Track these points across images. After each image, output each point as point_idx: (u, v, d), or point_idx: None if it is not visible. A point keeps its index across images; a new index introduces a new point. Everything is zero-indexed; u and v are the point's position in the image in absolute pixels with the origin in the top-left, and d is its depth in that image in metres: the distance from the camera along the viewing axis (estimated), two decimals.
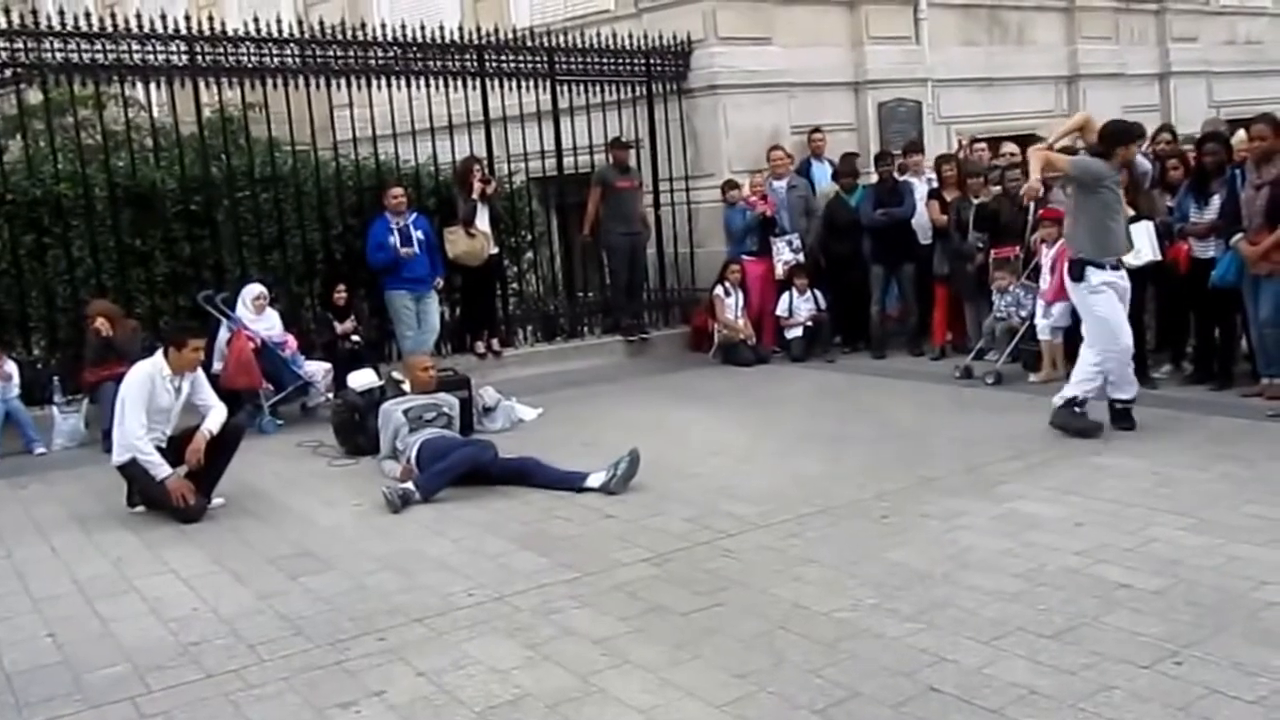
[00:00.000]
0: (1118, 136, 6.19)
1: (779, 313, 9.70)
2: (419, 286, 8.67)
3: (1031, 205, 8.25)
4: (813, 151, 10.71)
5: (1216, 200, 6.92)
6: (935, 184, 9.37)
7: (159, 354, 5.77)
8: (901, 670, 3.43)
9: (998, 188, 8.73)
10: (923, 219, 9.26)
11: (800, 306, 9.59)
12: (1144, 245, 7.13)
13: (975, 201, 8.73)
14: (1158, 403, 6.92)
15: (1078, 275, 6.07)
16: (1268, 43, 16.51)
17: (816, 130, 10.84)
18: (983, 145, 10.32)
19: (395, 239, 8.49)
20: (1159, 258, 7.15)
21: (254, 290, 8.01)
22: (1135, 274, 7.22)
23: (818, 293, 9.64)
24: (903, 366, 8.97)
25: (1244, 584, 3.95)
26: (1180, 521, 4.66)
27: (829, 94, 11.45)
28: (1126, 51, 14.37)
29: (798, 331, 9.58)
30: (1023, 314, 8.03)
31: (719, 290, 9.70)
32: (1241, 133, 7.38)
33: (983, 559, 4.37)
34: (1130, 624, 3.66)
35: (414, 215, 8.71)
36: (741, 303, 9.73)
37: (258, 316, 7.94)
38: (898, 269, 9.42)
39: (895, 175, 9.51)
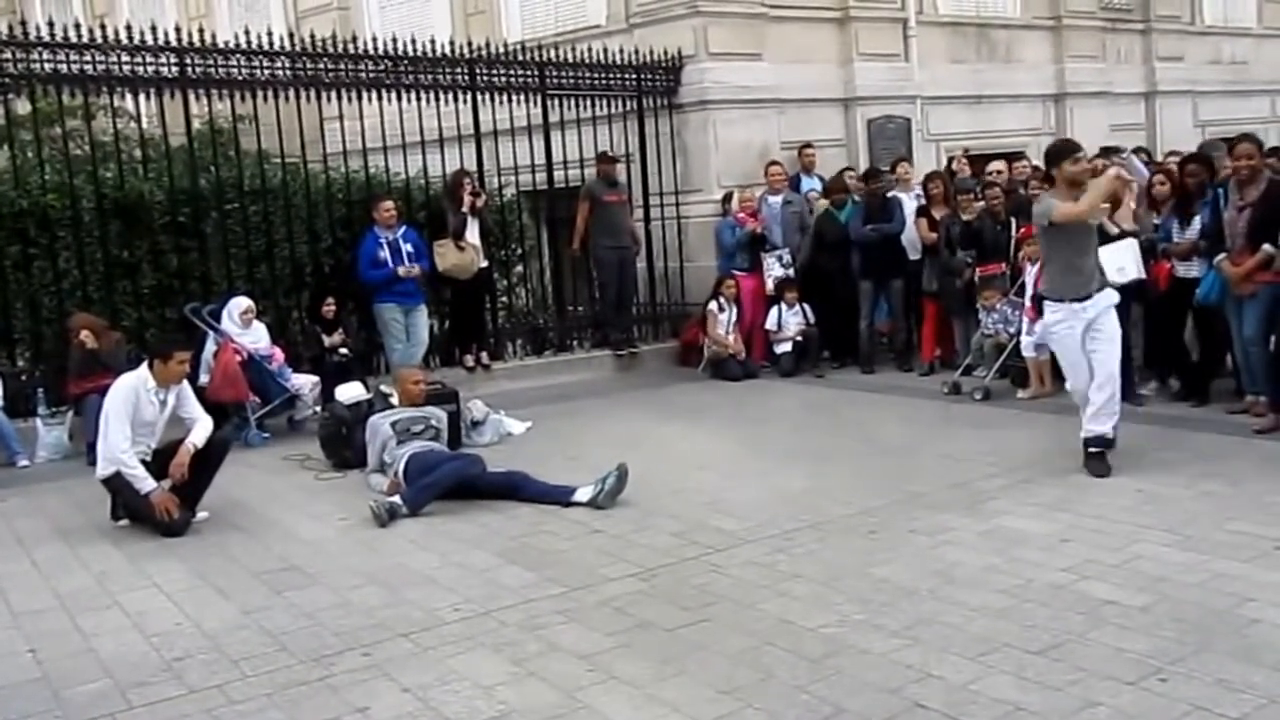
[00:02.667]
0: (1054, 155, 5.78)
1: (768, 326, 9.71)
2: (408, 299, 8.65)
3: (1014, 222, 8.31)
4: (803, 167, 10.77)
5: (1198, 221, 6.95)
6: (923, 201, 9.41)
7: (144, 366, 5.74)
8: (887, 686, 3.42)
9: (980, 204, 8.78)
10: (912, 234, 9.29)
11: (789, 321, 9.60)
12: (1128, 263, 7.17)
13: (962, 218, 8.77)
14: (1144, 420, 6.95)
15: (1041, 311, 6.09)
16: (1252, 62, 16.66)
17: (807, 146, 10.90)
18: (965, 161, 10.38)
19: (386, 253, 8.47)
20: (1143, 276, 7.18)
21: (242, 304, 7.98)
22: (1120, 291, 7.27)
23: (806, 306, 9.66)
24: (891, 382, 8.99)
25: (1228, 601, 3.96)
26: (1165, 538, 4.67)
27: (819, 110, 11.51)
28: (1113, 70, 14.49)
29: (787, 346, 9.60)
30: (1011, 330, 8.06)
31: (713, 305, 9.69)
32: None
33: (969, 575, 4.37)
34: (1115, 640, 3.67)
35: (404, 228, 8.69)
36: (734, 318, 9.73)
37: (245, 329, 7.91)
38: (887, 284, 9.44)
39: (885, 192, 9.54)
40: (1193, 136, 14.73)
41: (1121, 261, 7.18)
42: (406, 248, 8.55)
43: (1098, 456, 5.75)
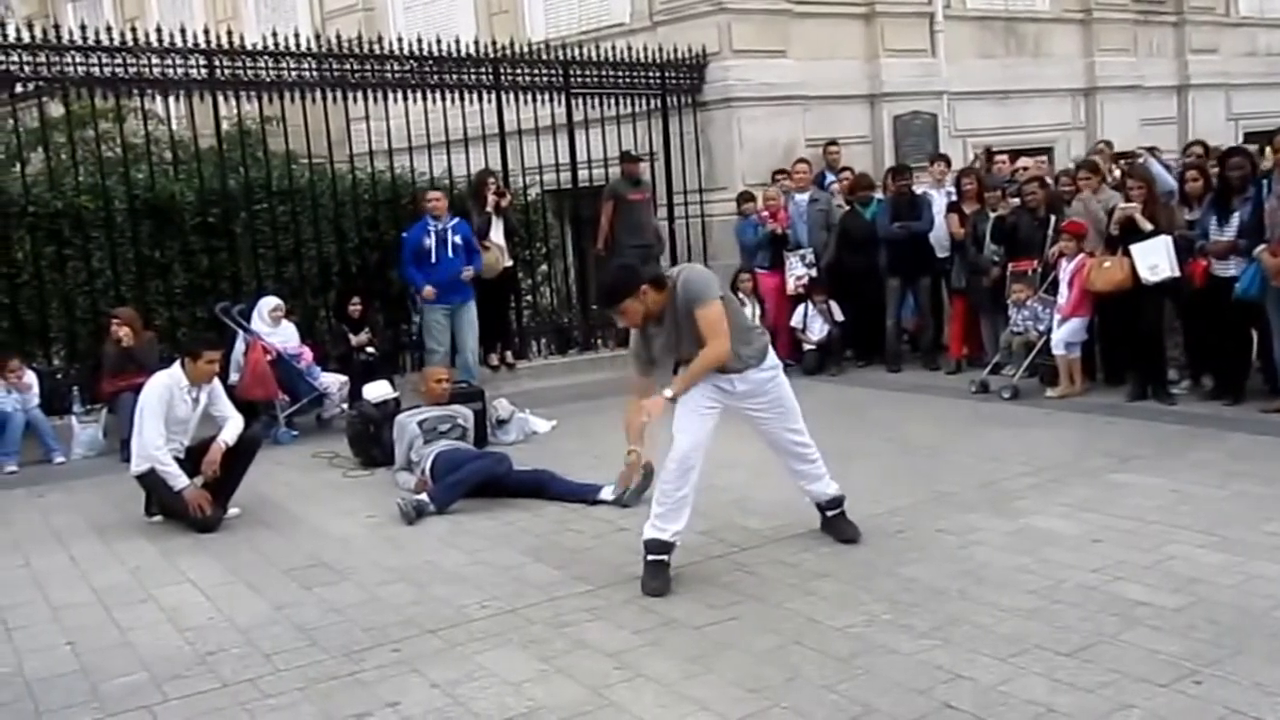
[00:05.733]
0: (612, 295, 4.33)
1: (794, 324, 9.67)
2: (453, 296, 8.51)
3: (1051, 219, 8.24)
4: (828, 165, 10.73)
5: (1237, 218, 6.85)
6: (955, 197, 9.35)
7: (176, 365, 5.81)
8: (916, 687, 3.41)
9: (1016, 200, 8.71)
10: (940, 232, 9.24)
11: (815, 320, 9.56)
12: (1162, 261, 7.11)
13: (992, 215, 8.71)
14: (1177, 419, 6.89)
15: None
16: None
17: (832, 143, 10.86)
18: (1003, 158, 10.31)
19: (432, 241, 8.38)
20: (1177, 273, 7.10)
21: (270, 303, 8.05)
22: (1154, 289, 7.22)
23: (834, 304, 9.60)
24: (918, 381, 8.94)
25: (1264, 603, 3.91)
26: (1199, 539, 4.62)
27: (844, 107, 11.46)
28: (1144, 64, 14.33)
29: (812, 345, 9.56)
30: (1040, 328, 7.99)
31: None
32: None
33: (998, 575, 4.35)
34: (1149, 642, 3.63)
35: (455, 220, 8.57)
36: (758, 313, 9.69)
37: (274, 328, 7.97)
38: (914, 282, 9.39)
39: (914, 189, 9.48)
40: (1226, 130, 14.57)
41: (1154, 259, 7.12)
42: (455, 239, 8.43)
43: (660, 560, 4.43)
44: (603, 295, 4.45)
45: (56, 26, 8.23)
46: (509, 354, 9.52)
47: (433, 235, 8.44)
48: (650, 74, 10.35)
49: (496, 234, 9.10)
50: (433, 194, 8.59)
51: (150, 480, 5.69)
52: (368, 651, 3.93)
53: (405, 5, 14.16)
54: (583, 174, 10.21)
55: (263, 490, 6.20)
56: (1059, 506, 5.21)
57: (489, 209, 9.01)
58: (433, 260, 8.41)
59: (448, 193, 8.93)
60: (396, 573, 4.80)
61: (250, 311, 8.04)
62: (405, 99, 9.16)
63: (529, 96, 9.78)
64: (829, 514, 4.97)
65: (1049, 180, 9.02)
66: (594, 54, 10.11)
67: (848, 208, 9.80)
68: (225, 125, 8.93)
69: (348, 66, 8.91)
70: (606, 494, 5.68)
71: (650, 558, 4.44)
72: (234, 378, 7.65)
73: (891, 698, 3.34)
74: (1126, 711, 3.18)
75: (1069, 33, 13.69)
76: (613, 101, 10.25)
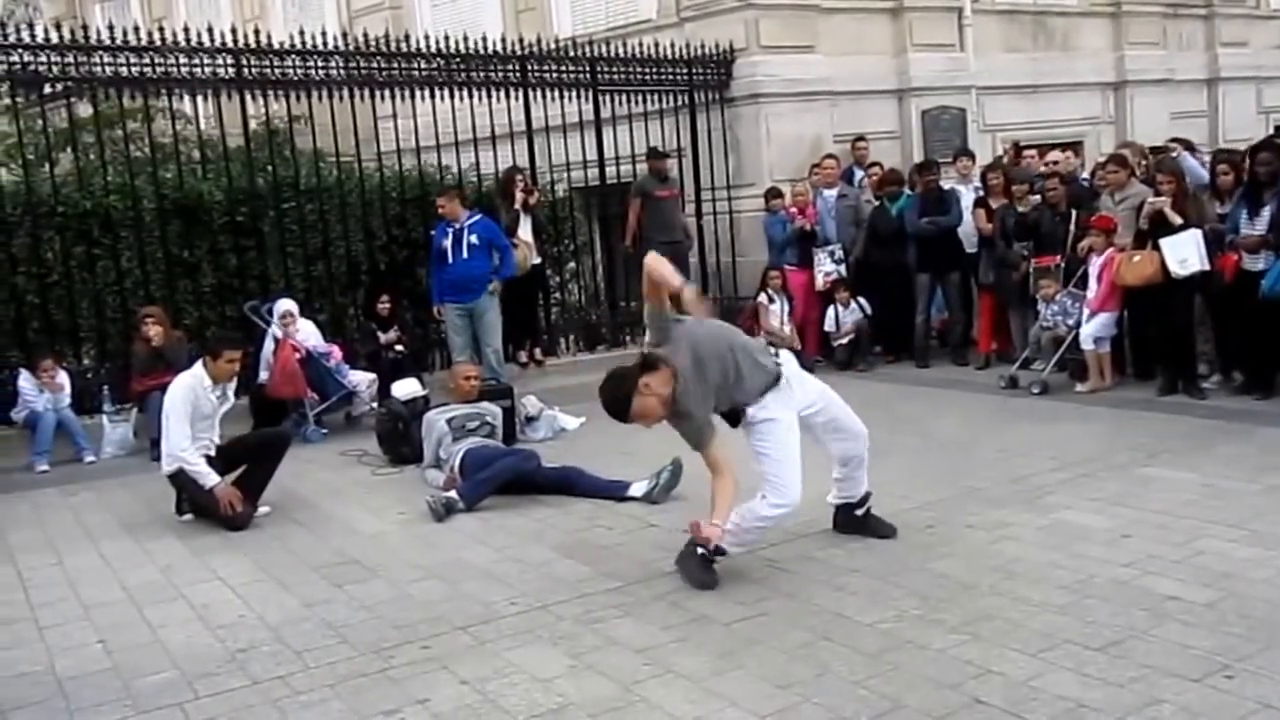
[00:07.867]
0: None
1: (827, 328, 9.63)
2: (465, 296, 8.43)
3: (1074, 214, 8.17)
4: (856, 160, 10.69)
5: (1268, 212, 6.77)
6: (981, 192, 9.28)
7: (199, 364, 5.86)
8: (947, 682, 3.39)
9: (1037, 197, 8.65)
10: (968, 227, 9.18)
11: (846, 319, 9.51)
12: (1191, 255, 7.03)
13: (1018, 210, 8.65)
14: (1207, 413, 6.82)
15: (735, 420, 4.56)
16: None
17: (860, 139, 10.82)
18: (1033, 153, 10.23)
19: (448, 243, 8.36)
20: (1207, 267, 7.03)
21: (282, 307, 7.94)
22: (1184, 283, 7.15)
23: (862, 300, 9.56)
24: (947, 376, 8.89)
25: None
26: (1230, 533, 4.57)
27: (872, 102, 11.41)
28: (1174, 57, 14.17)
29: (844, 341, 9.52)
30: (1069, 323, 7.92)
31: (762, 298, 9.64)
32: None
33: (1029, 570, 4.31)
34: (1180, 637, 3.60)
35: (477, 218, 8.49)
36: (787, 310, 9.66)
37: (284, 333, 7.95)
38: (943, 277, 9.33)
39: (941, 184, 9.42)
40: (1256, 124, 14.39)
41: (1184, 253, 7.05)
42: (470, 239, 8.35)
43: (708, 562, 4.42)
44: (612, 416, 4.49)
45: (84, 27, 8.32)
46: (538, 351, 9.54)
47: (450, 235, 8.44)
48: (678, 70, 10.35)
49: (525, 231, 9.13)
50: (438, 199, 8.56)
51: (181, 479, 5.75)
52: (398, 648, 3.95)
53: (433, 3, 14.22)
54: (610, 170, 10.23)
55: (293, 488, 6.25)
56: (1089, 501, 5.16)
57: (517, 206, 9.04)
58: (449, 260, 8.41)
59: (474, 190, 8.94)
60: (426, 570, 4.82)
61: None
62: (433, 97, 9.20)
63: (556, 93, 9.80)
64: (855, 512, 4.91)
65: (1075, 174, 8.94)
66: (621, 50, 10.12)
67: (876, 203, 9.75)
68: (253, 124, 9.00)
69: (375, 65, 8.97)
70: (635, 491, 5.69)
71: (703, 552, 4.37)
72: (263, 376, 7.71)
73: (921, 693, 3.32)
74: (1158, 706, 3.15)
75: (1098, 26, 13.56)
76: (640, 98, 10.25)
